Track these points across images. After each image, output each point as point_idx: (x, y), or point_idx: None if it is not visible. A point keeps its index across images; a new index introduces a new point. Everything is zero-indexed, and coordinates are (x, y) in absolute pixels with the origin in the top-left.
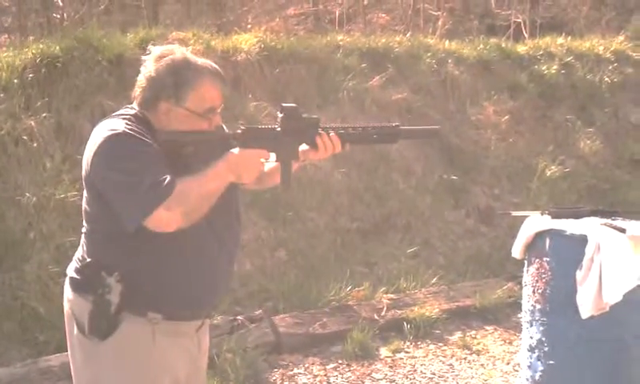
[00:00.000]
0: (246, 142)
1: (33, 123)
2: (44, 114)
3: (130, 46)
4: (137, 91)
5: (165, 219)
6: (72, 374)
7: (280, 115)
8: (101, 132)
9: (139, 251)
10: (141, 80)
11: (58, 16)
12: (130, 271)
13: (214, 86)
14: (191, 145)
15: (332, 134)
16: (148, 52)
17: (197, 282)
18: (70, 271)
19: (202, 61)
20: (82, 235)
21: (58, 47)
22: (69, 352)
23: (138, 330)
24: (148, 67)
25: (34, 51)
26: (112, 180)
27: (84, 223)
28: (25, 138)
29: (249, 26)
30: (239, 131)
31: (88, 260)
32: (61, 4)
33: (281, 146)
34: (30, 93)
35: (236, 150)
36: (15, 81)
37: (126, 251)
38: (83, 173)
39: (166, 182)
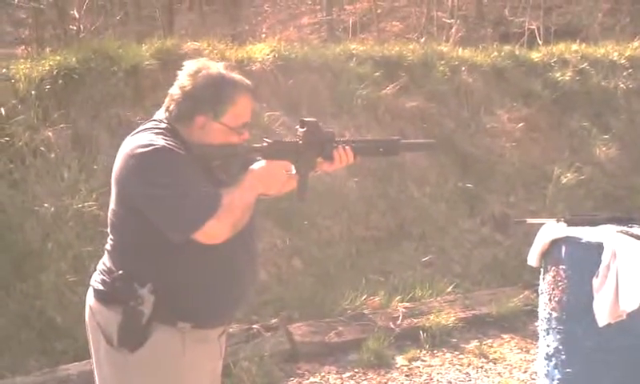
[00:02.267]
0: (271, 155)
1: (50, 134)
2: (61, 125)
3: (146, 56)
4: (170, 104)
5: (215, 231)
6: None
7: (301, 129)
8: (139, 147)
9: (172, 262)
10: (176, 93)
11: (75, 28)
12: (162, 282)
13: (250, 101)
14: (220, 158)
15: (347, 147)
16: (181, 67)
17: (227, 290)
18: (95, 283)
19: (237, 76)
20: (109, 247)
21: (74, 58)
22: (94, 363)
23: (168, 339)
24: (184, 81)
25: (50, 63)
26: (156, 195)
27: (110, 235)
28: (42, 148)
29: (263, 36)
30: (265, 144)
31: (119, 272)
32: (77, 16)
33: (301, 159)
34: (47, 104)
35: (261, 163)
36: (32, 92)
37: (158, 263)
38: (115, 186)
39: (214, 194)
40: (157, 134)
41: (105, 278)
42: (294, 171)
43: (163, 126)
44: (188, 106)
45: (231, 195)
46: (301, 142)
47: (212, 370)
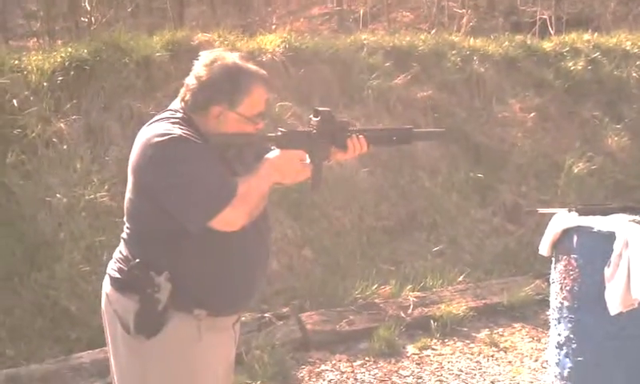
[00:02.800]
0: (285, 144)
1: (62, 125)
2: (73, 117)
3: (157, 48)
4: (186, 94)
5: (231, 219)
6: (114, 372)
7: (315, 118)
8: (156, 136)
9: (187, 251)
10: (192, 83)
11: (86, 20)
12: (178, 270)
13: (265, 91)
14: (236, 147)
15: (360, 136)
16: (198, 57)
17: (242, 278)
18: (111, 271)
19: (252, 66)
20: (125, 235)
21: (86, 50)
22: (111, 351)
23: (185, 326)
24: (200, 71)
25: (62, 55)
26: (174, 184)
27: (127, 224)
28: (55, 140)
29: (273, 27)
30: (280, 134)
31: (135, 260)
32: (88, 8)
33: (315, 148)
34: (59, 96)
35: (276, 152)
36: (45, 84)
37: (174, 251)
38: (132, 175)
39: (230, 182)
40: (173, 123)
41: (121, 266)
42: (307, 160)
43: (179, 115)
44: (204, 96)
45: (247, 183)
46: (314, 131)
47: (226, 357)
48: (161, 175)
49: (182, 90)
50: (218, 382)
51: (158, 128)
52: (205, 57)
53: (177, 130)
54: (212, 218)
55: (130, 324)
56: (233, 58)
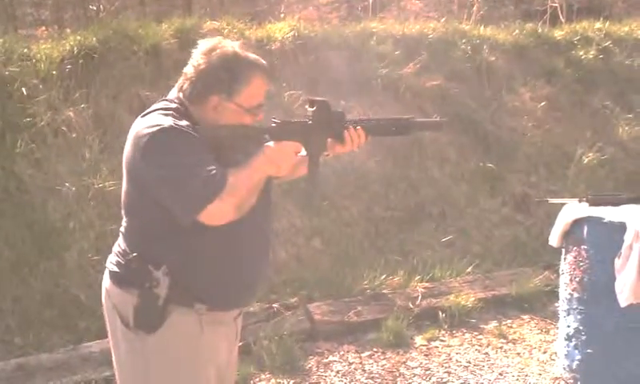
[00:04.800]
0: (280, 136)
1: (71, 114)
2: (82, 105)
3: (165, 36)
4: (184, 84)
5: (219, 212)
6: (115, 366)
7: (311, 109)
8: (146, 128)
9: (186, 244)
10: (190, 72)
11: (95, 8)
12: (177, 264)
13: (265, 82)
14: (230, 139)
15: (358, 127)
16: (196, 46)
17: (241, 272)
18: (111, 265)
19: (252, 56)
20: (123, 228)
21: (94, 39)
22: (111, 344)
23: (186, 321)
24: (198, 60)
25: (71, 43)
26: (163, 176)
27: (124, 217)
28: (64, 128)
29: (282, 15)
30: (273, 125)
31: (133, 254)
32: None
33: (311, 139)
34: (68, 84)
35: (271, 143)
36: (54, 72)
37: (172, 244)
38: (126, 168)
39: (219, 175)
40: (165, 114)
41: (120, 260)
42: (304, 152)
43: (173, 106)
44: (202, 86)
45: (237, 175)
46: (310, 122)
47: (229, 351)
48: (150, 167)
49: (180, 80)
50: (220, 375)
51: (149, 120)
52: (203, 45)
53: (168, 121)
54: (200, 211)
55: (130, 319)
56: (232, 46)
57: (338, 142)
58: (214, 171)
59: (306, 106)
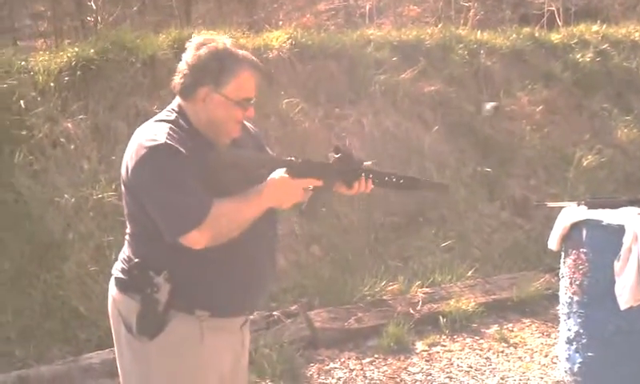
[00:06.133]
0: (299, 173)
1: (70, 125)
2: (80, 116)
3: (163, 46)
4: (177, 79)
5: (195, 239)
6: (119, 372)
7: (335, 155)
8: (143, 141)
9: (186, 251)
10: (182, 67)
11: (92, 19)
12: (177, 270)
13: (253, 76)
14: (246, 169)
15: (369, 180)
16: (190, 42)
17: (243, 279)
18: (116, 271)
19: (243, 52)
20: (127, 235)
21: (92, 50)
22: (116, 351)
23: (186, 327)
24: (190, 54)
25: (69, 54)
26: (153, 194)
27: (127, 224)
28: (62, 140)
29: (280, 23)
30: (295, 160)
31: (135, 260)
32: (94, 7)
33: (325, 181)
34: (66, 95)
35: (277, 174)
36: (52, 84)
37: (172, 251)
38: (124, 178)
39: (203, 204)
40: (164, 128)
41: (124, 266)
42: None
43: (172, 117)
44: (192, 78)
45: (224, 207)
46: (331, 167)
47: (235, 360)
48: (144, 184)
49: (175, 78)
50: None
51: (147, 133)
52: (195, 40)
53: (163, 137)
54: (178, 237)
55: (133, 325)
56: (223, 41)
57: (346, 186)
58: (198, 200)
59: (331, 152)
